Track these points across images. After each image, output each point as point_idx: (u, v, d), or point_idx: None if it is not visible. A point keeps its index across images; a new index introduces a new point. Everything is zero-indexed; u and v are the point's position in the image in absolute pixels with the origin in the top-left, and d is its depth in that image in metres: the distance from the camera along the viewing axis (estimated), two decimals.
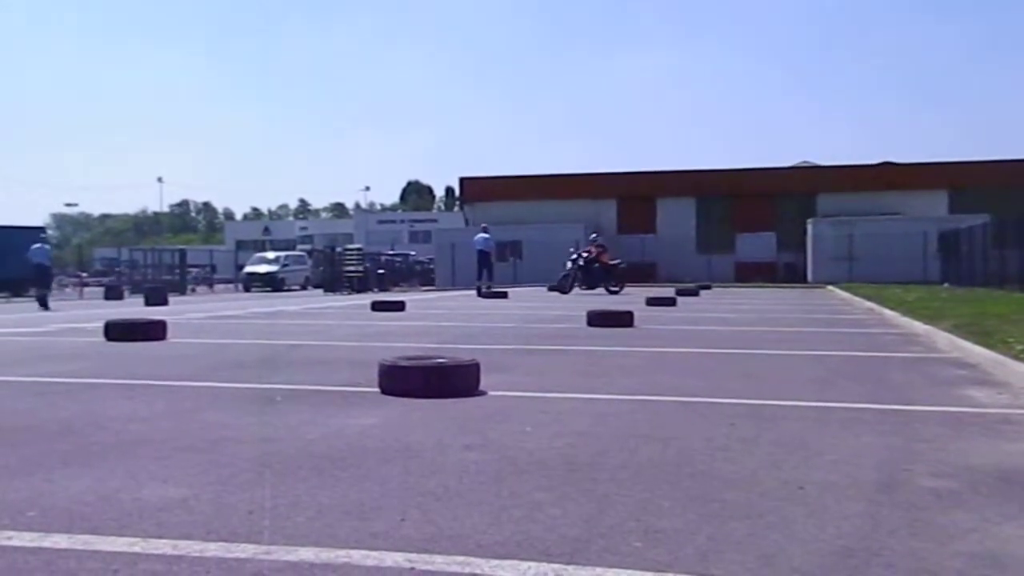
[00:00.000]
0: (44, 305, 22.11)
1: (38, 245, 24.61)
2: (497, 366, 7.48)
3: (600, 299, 21.74)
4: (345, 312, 17.87)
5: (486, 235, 27.62)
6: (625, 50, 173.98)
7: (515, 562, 2.67)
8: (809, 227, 40.26)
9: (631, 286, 33.56)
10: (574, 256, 26.81)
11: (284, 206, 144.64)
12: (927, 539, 2.90)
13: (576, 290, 25.85)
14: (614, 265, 26.72)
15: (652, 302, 18.32)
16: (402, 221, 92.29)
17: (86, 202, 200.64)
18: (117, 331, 10.63)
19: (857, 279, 33.42)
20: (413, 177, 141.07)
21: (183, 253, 40.20)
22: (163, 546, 2.81)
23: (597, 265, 26.49)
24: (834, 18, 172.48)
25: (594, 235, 27.51)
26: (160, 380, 6.97)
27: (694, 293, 24.54)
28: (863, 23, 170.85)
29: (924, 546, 2.83)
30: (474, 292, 26.02)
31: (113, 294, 28.78)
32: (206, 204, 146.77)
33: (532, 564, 2.65)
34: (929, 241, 36.08)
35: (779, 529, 3.00)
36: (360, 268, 35.06)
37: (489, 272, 27.09)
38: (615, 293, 25.53)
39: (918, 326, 11.61)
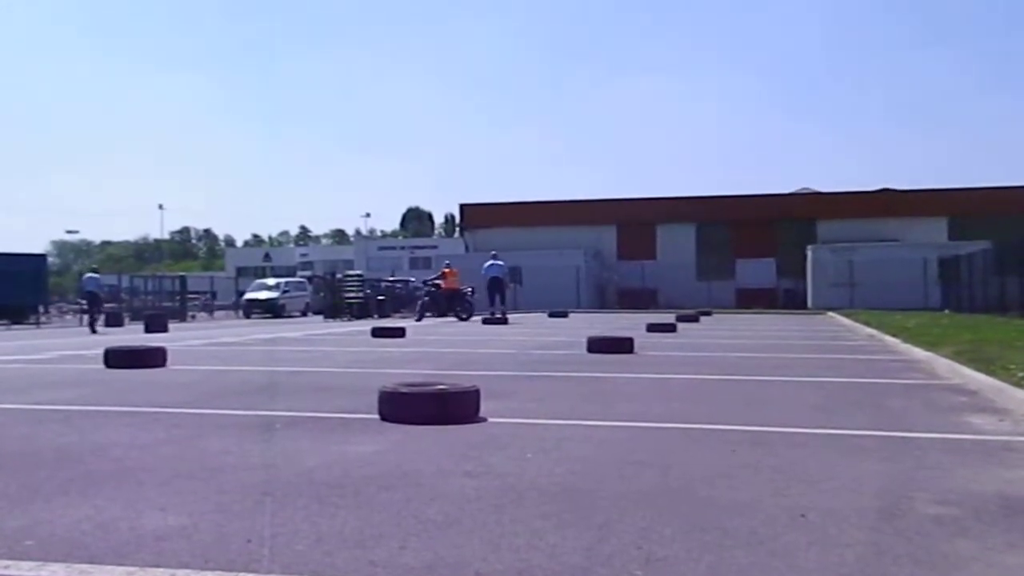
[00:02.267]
0: (93, 330, 23.65)
1: (89, 275, 26.97)
2: (497, 393, 7.47)
3: (475, 328, 21.78)
4: (345, 338, 17.86)
5: (500, 263, 27.44)
6: (625, 76, 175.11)
7: None
8: (809, 253, 40.34)
9: (631, 312, 33.63)
10: (424, 283, 27.33)
11: (285, 232, 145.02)
12: (930, 567, 2.88)
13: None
14: (463, 293, 26.96)
15: (652, 328, 18.31)
16: (402, 247, 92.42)
17: (87, 229, 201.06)
18: (117, 358, 10.61)
19: (857, 305, 33.43)
20: (413, 203, 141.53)
21: (183, 280, 40.25)
22: (161, 575, 2.80)
23: (444, 292, 26.83)
24: (835, 45, 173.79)
25: (447, 262, 28.21)
26: (160, 407, 6.95)
27: (694, 319, 24.54)
28: (864, 50, 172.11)
29: (927, 574, 2.82)
30: (478, 319, 25.83)
31: (113, 321, 28.76)
32: (207, 231, 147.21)
33: None
34: (929, 268, 36.13)
35: (781, 557, 2.98)
36: (360, 294, 35.03)
37: (502, 298, 27.01)
38: (464, 320, 25.74)
39: (919, 352, 11.60)
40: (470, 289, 27.32)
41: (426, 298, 27.35)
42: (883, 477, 4.30)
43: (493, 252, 28.46)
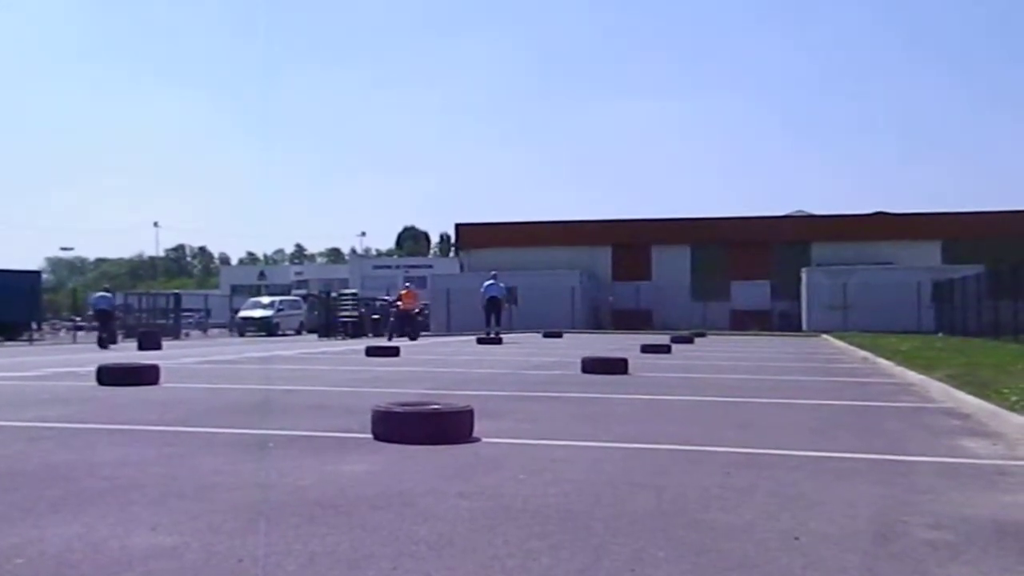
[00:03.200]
0: (104, 346, 24.51)
1: (100, 293, 28.34)
2: (491, 412, 7.45)
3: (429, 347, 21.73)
4: (339, 357, 17.83)
5: (499, 283, 27.69)
6: (622, 98, 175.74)
7: None
8: (803, 276, 40.43)
9: (626, 332, 33.67)
10: (389, 304, 29.96)
11: (280, 251, 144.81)
12: None
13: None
14: (413, 313, 29.09)
15: (647, 349, 18.32)
16: (397, 267, 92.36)
17: (82, 246, 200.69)
18: (110, 375, 10.58)
19: (851, 328, 33.47)
20: (409, 223, 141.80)
21: (178, 297, 40.19)
22: None
23: (400, 312, 28.96)
24: (831, 68, 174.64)
25: (407, 283, 30.92)
26: (152, 425, 6.92)
27: (689, 340, 24.52)
28: (860, 74, 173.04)
29: None
30: (473, 338, 26.07)
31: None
32: (202, 249, 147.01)
33: None
34: (923, 291, 36.22)
35: None
36: (355, 313, 35.05)
37: (498, 318, 27.17)
38: (412, 340, 27.04)
39: (912, 376, 11.61)
40: (417, 310, 29.70)
41: (392, 319, 29.20)
42: (877, 500, 4.30)
43: (493, 272, 28.61)
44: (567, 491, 4.42)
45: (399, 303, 28.82)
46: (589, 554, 3.27)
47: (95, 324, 28.40)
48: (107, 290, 29.12)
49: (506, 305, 28.27)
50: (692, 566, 3.12)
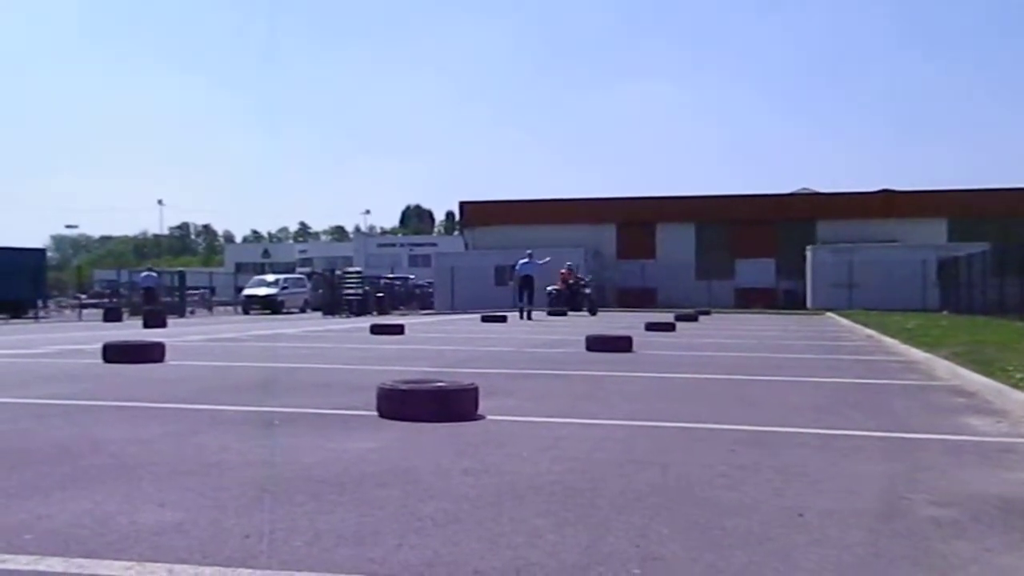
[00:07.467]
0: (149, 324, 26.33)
1: (146, 273, 31.60)
2: (496, 390, 7.46)
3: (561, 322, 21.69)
4: (344, 335, 17.85)
5: (536, 261, 28.37)
6: (627, 77, 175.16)
7: None
8: (809, 254, 40.32)
9: (630, 311, 33.67)
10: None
11: (284, 229, 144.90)
12: (928, 569, 2.88)
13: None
14: (577, 288, 31.27)
15: (651, 327, 18.31)
16: (402, 245, 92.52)
17: (86, 224, 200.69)
18: (115, 353, 10.61)
19: (856, 306, 33.42)
20: (413, 201, 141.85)
21: (182, 275, 40.13)
22: (158, 570, 2.80)
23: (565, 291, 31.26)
24: (835, 48, 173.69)
25: (568, 263, 32.32)
26: (158, 403, 6.94)
27: (693, 319, 24.52)
28: (864, 52, 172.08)
29: (925, 575, 2.81)
30: (477, 316, 26.86)
31: (112, 316, 28.74)
32: (206, 227, 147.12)
33: None
34: (928, 269, 36.12)
35: (779, 557, 2.98)
36: (359, 291, 35.04)
37: (531, 297, 27.51)
38: (592, 313, 29.41)
39: (917, 354, 11.59)
40: (576, 285, 31.38)
41: (554, 294, 31.43)
42: (882, 478, 4.30)
43: (529, 251, 29.27)
44: (572, 468, 4.43)
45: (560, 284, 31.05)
46: (594, 531, 3.28)
47: (141, 301, 30.66)
48: (151, 270, 30.46)
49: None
50: (697, 542, 3.13)
